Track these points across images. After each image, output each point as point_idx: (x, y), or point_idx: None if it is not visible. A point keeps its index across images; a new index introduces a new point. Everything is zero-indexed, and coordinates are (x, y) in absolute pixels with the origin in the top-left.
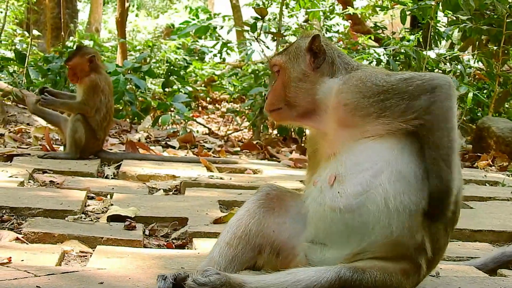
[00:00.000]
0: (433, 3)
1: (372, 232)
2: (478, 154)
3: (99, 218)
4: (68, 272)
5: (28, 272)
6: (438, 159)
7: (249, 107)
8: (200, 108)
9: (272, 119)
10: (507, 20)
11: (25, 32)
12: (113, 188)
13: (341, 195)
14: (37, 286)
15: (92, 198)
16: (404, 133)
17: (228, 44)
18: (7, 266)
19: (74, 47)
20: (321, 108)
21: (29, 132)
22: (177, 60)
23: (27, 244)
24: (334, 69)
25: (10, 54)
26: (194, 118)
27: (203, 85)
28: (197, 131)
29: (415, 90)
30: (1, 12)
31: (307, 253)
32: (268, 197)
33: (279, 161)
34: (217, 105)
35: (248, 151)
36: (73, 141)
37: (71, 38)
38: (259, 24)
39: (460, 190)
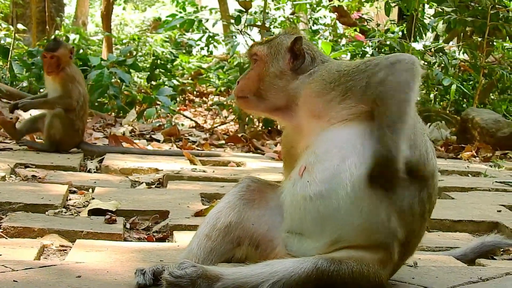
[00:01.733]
0: None
1: (344, 217)
2: (462, 145)
3: (80, 212)
4: (46, 266)
5: (6, 267)
6: (383, 126)
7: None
8: (187, 101)
9: (237, 104)
10: (491, 12)
11: (10, 26)
12: (95, 182)
13: (311, 183)
14: (14, 281)
15: (74, 192)
16: (368, 116)
17: (215, 37)
18: None
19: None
20: (293, 103)
21: None
22: (163, 53)
23: (6, 238)
24: (310, 68)
25: None
26: (180, 111)
27: (190, 78)
28: (182, 125)
29: (375, 67)
30: None
31: (286, 244)
32: (249, 189)
33: (264, 154)
34: (204, 98)
35: (233, 144)
36: (50, 134)
37: (56, 32)
38: (243, 17)
39: (435, 174)
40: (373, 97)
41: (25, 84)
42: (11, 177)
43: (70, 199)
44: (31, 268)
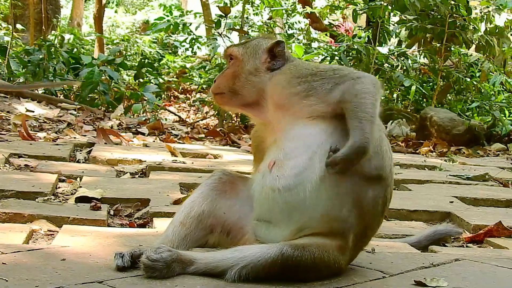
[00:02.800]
0: (384, 3)
1: (309, 208)
2: (421, 141)
3: (67, 200)
4: (33, 250)
5: None
6: (353, 119)
7: None
8: (172, 98)
9: (214, 101)
10: (449, 20)
11: (10, 26)
12: (83, 172)
13: (280, 178)
14: (3, 263)
15: (63, 181)
16: (333, 116)
17: (199, 39)
18: None
19: (56, 40)
20: (263, 97)
21: (9, 119)
22: (151, 53)
23: None
24: (282, 67)
25: None
26: (166, 107)
27: (175, 76)
28: (166, 119)
29: (341, 77)
30: None
31: (255, 231)
32: (221, 181)
33: (239, 147)
34: (187, 95)
35: (212, 137)
36: None
37: (53, 32)
38: (223, 21)
39: (391, 172)
40: (342, 104)
41: (21, 80)
42: (5, 166)
43: (59, 187)
44: (19, 251)
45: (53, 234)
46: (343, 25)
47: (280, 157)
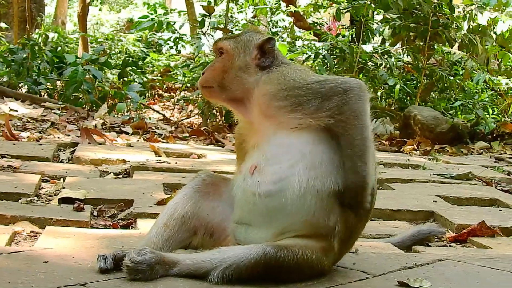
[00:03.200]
0: (368, 2)
1: (290, 213)
2: (405, 139)
3: (50, 200)
4: (15, 252)
5: None
6: (353, 156)
7: (199, 95)
8: (156, 96)
9: (202, 93)
10: (432, 19)
11: None
12: (66, 172)
13: (261, 183)
14: None
15: (46, 181)
16: (319, 128)
17: (183, 38)
18: None
19: (40, 39)
20: (248, 97)
21: None
22: (135, 51)
23: None
24: (271, 66)
25: None
26: (150, 105)
27: (159, 75)
28: (150, 118)
29: (328, 91)
30: None
31: (235, 233)
32: (204, 183)
33: (224, 146)
34: (172, 93)
35: (196, 136)
36: None
37: (37, 30)
38: (207, 20)
39: (374, 184)
40: (330, 121)
41: (5, 79)
42: None
43: (42, 188)
44: (2, 254)
45: (36, 236)
46: (327, 24)
47: (261, 162)
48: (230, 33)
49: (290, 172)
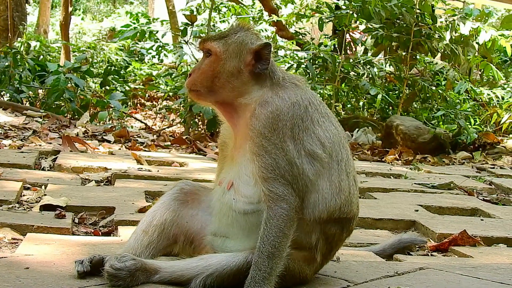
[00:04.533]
0: (350, 12)
1: None
2: (387, 149)
3: (32, 208)
4: None
5: None
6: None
7: (181, 104)
8: (138, 105)
9: (189, 96)
10: (415, 29)
11: None
12: (48, 179)
13: (236, 201)
14: None
15: (28, 188)
16: None
17: (165, 47)
18: None
19: (22, 48)
20: (239, 110)
21: None
22: (117, 60)
23: None
24: (265, 79)
25: None
26: (132, 114)
27: (141, 84)
28: (132, 127)
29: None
30: None
31: (212, 244)
32: (182, 191)
33: (205, 155)
34: (154, 102)
35: (178, 145)
36: None
37: (19, 39)
38: (189, 29)
39: (357, 212)
40: None
41: None
42: None
43: (24, 195)
44: None
45: (17, 243)
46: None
47: (237, 179)
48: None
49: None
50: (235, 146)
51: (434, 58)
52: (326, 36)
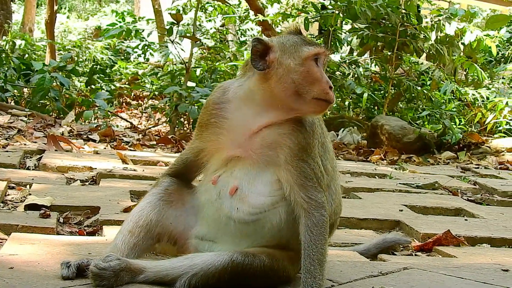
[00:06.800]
0: (336, 12)
1: (264, 237)
2: (372, 149)
3: (16, 207)
4: None
5: None
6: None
7: (167, 103)
8: (124, 104)
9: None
10: (400, 29)
11: None
12: (33, 179)
13: (239, 211)
14: None
15: (12, 188)
16: None
17: (151, 46)
18: None
19: (7, 46)
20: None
21: None
22: (103, 59)
23: None
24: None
25: None
26: (117, 113)
27: (127, 83)
28: (117, 126)
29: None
30: None
31: (197, 247)
32: (167, 192)
33: None
34: (140, 101)
35: (163, 144)
36: None
37: (4, 37)
38: (175, 28)
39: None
40: None
41: None
42: None
43: (8, 195)
44: None
45: (1, 242)
46: None
47: (246, 187)
48: (196, 42)
49: (272, 212)
50: (237, 144)
51: (419, 58)
52: (312, 36)
